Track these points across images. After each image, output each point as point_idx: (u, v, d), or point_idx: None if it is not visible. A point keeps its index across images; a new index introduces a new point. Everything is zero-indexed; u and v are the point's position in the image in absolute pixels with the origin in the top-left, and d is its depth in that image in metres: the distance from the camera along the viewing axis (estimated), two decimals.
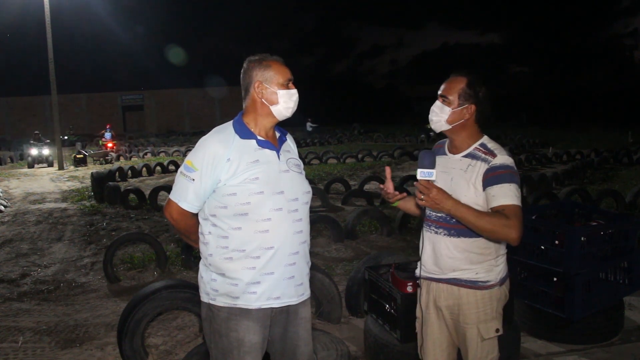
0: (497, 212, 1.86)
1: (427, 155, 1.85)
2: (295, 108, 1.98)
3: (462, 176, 1.99)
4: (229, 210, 1.85)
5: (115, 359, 3.46)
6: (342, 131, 34.14)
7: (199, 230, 1.98)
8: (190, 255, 5.63)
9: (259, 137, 1.93)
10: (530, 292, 3.41)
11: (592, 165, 13.80)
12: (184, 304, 3.28)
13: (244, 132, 1.92)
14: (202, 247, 1.96)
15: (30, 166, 19.68)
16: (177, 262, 5.80)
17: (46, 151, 20.42)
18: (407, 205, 2.26)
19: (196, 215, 1.96)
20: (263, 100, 1.93)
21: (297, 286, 1.94)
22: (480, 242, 2.00)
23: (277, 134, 2.03)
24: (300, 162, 2.06)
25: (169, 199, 1.95)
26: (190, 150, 2.02)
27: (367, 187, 10.51)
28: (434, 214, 2.08)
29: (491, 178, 1.92)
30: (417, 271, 2.17)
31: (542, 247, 3.30)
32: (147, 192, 10.20)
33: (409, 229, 6.90)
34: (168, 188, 9.64)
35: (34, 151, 20.22)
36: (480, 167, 1.96)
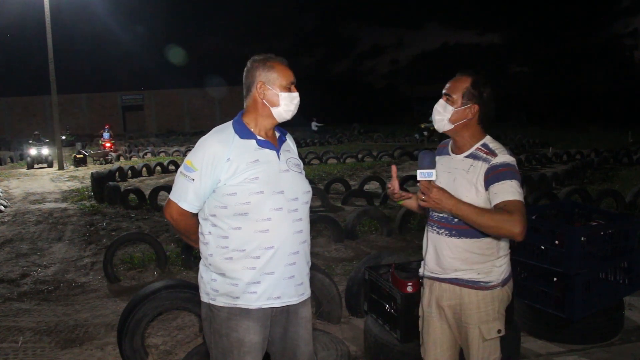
0: (500, 208, 1.86)
1: (427, 155, 1.85)
2: (295, 111, 1.99)
3: (464, 177, 2.00)
4: (229, 210, 1.85)
5: (115, 359, 3.46)
6: (342, 131, 34.15)
7: (199, 230, 1.98)
8: (190, 255, 5.63)
9: (258, 137, 1.93)
10: (530, 292, 3.41)
11: (592, 165, 13.80)
12: (184, 304, 3.28)
13: (244, 132, 1.92)
14: (202, 247, 1.96)
15: (30, 167, 19.60)
16: (177, 262, 5.80)
17: (45, 151, 20.32)
18: (411, 203, 2.27)
19: (196, 215, 1.97)
20: (264, 101, 1.93)
21: (298, 286, 1.94)
22: (481, 242, 2.00)
23: (277, 134, 2.03)
24: (300, 162, 2.06)
25: (169, 199, 1.95)
26: (190, 150, 2.02)
27: (367, 187, 10.52)
28: (435, 214, 2.09)
29: (492, 177, 1.92)
30: (421, 270, 2.18)
31: (542, 247, 3.29)
32: (147, 192, 10.21)
33: (409, 229, 6.89)
34: (168, 188, 9.64)
35: (33, 151, 20.14)
36: (482, 168, 1.96)
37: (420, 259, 2.25)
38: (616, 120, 32.65)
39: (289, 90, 1.95)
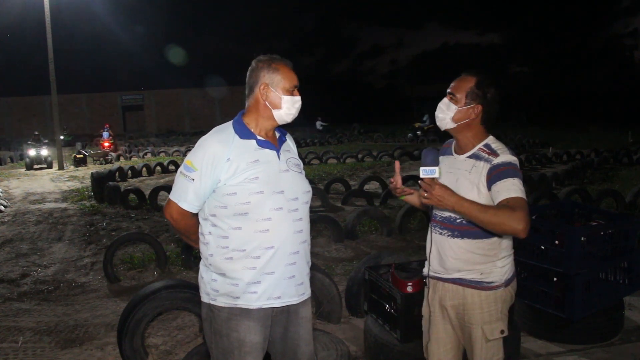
0: (503, 205, 1.85)
1: (430, 153, 1.85)
2: (296, 115, 1.99)
3: (466, 177, 2.00)
4: (229, 210, 1.85)
5: (115, 359, 3.46)
6: (342, 131, 34.14)
7: (199, 230, 1.98)
8: (190, 255, 5.63)
9: (258, 137, 1.93)
10: (530, 292, 3.41)
11: (592, 165, 13.78)
12: (184, 304, 3.28)
13: (244, 132, 1.92)
14: (202, 247, 1.97)
15: (29, 167, 19.38)
16: (177, 262, 5.80)
17: (45, 152, 20.13)
18: (413, 199, 2.27)
19: (196, 215, 1.97)
20: (266, 102, 1.94)
21: (298, 286, 1.94)
22: (484, 243, 2.00)
23: (277, 134, 2.03)
24: (300, 162, 2.06)
25: (169, 199, 1.95)
26: (190, 150, 2.02)
27: (367, 187, 10.51)
28: (439, 214, 2.09)
29: (494, 176, 1.92)
30: (425, 270, 2.19)
31: (542, 247, 3.29)
32: (147, 192, 10.20)
33: (409, 229, 6.90)
34: (168, 188, 9.65)
35: (31, 152, 19.98)
36: (483, 168, 1.97)
37: (420, 259, 2.25)
38: (616, 120, 32.61)
39: (291, 93, 1.95)
